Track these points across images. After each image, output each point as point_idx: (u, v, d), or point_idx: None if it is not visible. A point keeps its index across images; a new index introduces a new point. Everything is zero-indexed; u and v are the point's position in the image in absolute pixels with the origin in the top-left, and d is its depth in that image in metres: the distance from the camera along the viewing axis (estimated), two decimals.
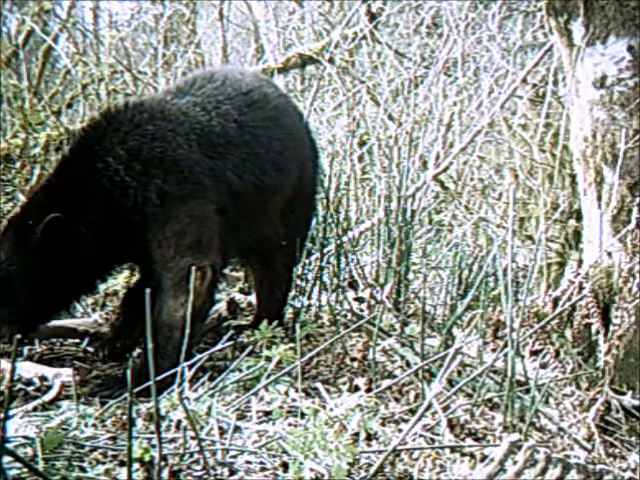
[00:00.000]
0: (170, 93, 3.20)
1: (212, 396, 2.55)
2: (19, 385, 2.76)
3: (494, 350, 3.33)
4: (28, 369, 2.85)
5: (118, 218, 2.90)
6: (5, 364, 2.74)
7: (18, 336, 2.01)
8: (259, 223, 3.26)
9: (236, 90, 3.31)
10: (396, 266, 3.85)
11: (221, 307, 3.52)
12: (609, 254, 3.30)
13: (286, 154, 3.33)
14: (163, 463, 2.08)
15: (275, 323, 3.10)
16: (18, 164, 5.17)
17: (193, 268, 2.77)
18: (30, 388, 2.76)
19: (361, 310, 3.84)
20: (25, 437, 2.27)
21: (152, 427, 2.34)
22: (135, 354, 3.15)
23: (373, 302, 3.86)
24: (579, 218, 4.65)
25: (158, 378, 2.16)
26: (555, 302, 3.38)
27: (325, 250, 3.79)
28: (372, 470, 2.22)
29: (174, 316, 2.83)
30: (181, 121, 3.05)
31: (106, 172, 2.90)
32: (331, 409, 2.36)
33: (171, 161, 2.96)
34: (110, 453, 2.23)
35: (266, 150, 3.26)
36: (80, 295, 3.10)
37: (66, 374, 2.77)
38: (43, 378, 2.78)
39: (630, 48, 3.27)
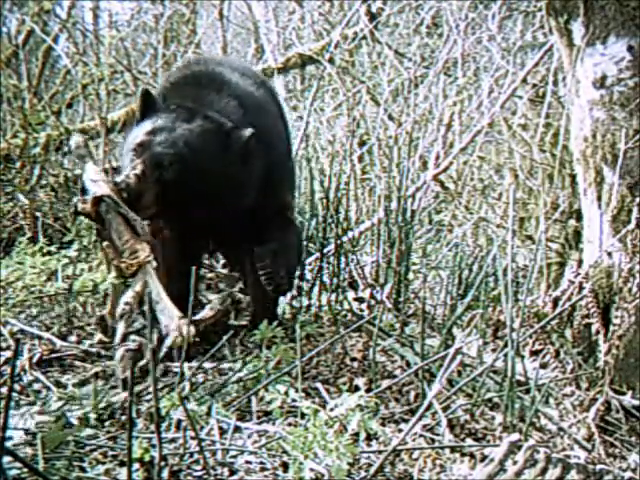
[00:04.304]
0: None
1: (212, 396, 2.55)
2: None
3: (494, 350, 3.34)
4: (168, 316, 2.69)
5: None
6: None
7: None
8: None
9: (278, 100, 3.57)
10: (396, 266, 3.85)
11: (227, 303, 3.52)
12: (609, 254, 3.29)
13: None
14: (163, 463, 2.08)
15: (275, 323, 3.10)
16: (18, 164, 5.17)
17: None
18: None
19: (361, 310, 3.84)
20: (25, 434, 2.27)
21: (152, 427, 2.34)
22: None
23: (373, 302, 3.86)
24: (579, 218, 4.65)
25: None
26: (555, 302, 3.38)
27: (325, 250, 3.79)
28: (372, 470, 2.22)
29: None
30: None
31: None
32: (331, 409, 2.36)
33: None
34: (110, 453, 2.23)
35: None
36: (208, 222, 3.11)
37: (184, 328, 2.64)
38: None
39: (630, 48, 3.27)
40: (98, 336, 3.05)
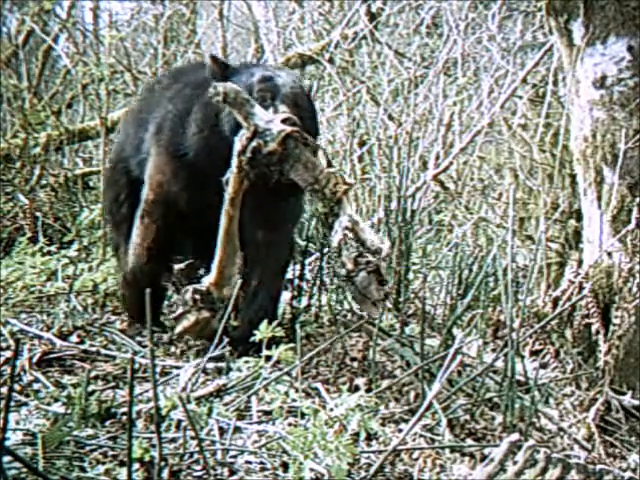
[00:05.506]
0: None
1: (212, 395, 2.55)
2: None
3: (494, 350, 3.34)
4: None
5: None
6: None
7: None
8: None
9: None
10: (396, 266, 3.85)
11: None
12: (609, 254, 3.30)
13: None
14: (163, 463, 2.08)
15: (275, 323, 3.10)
16: (18, 164, 5.17)
17: None
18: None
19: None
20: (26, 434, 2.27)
21: (152, 427, 2.34)
22: None
23: None
24: (579, 218, 4.65)
25: None
26: (555, 302, 3.39)
27: (325, 250, 3.79)
28: (372, 470, 2.22)
29: None
30: None
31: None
32: (331, 409, 2.36)
33: None
34: (110, 453, 2.23)
35: None
36: None
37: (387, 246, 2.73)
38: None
39: (630, 48, 3.27)
40: (193, 317, 2.85)
